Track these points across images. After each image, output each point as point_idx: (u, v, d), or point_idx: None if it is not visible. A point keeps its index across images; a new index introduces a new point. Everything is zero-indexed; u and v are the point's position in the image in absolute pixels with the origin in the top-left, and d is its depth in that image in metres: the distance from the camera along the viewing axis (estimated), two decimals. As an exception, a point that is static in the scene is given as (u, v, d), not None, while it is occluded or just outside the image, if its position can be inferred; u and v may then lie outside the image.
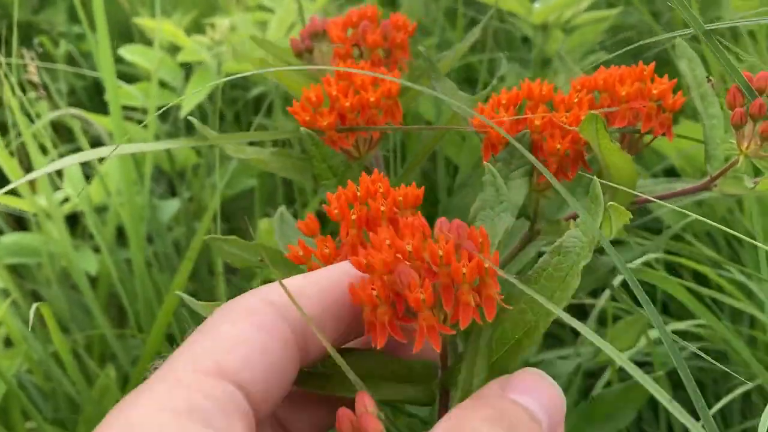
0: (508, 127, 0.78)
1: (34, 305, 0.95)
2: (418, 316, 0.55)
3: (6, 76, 1.38)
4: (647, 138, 0.83)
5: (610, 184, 0.76)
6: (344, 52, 0.95)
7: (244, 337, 0.52)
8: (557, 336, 1.54)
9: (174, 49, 1.73)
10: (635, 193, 0.74)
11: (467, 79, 1.74)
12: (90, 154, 0.89)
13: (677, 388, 1.37)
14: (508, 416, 0.51)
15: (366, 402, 0.53)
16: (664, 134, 0.80)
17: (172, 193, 1.88)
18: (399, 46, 0.96)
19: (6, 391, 1.22)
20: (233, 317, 0.53)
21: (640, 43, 0.88)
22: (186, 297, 0.69)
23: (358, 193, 0.67)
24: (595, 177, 0.63)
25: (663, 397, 0.52)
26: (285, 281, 0.55)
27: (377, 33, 0.93)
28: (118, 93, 1.30)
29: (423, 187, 0.67)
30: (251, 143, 0.92)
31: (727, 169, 0.77)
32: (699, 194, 0.82)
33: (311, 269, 0.67)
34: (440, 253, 0.54)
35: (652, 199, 0.80)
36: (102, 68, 1.28)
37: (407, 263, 0.56)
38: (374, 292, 0.55)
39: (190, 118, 0.89)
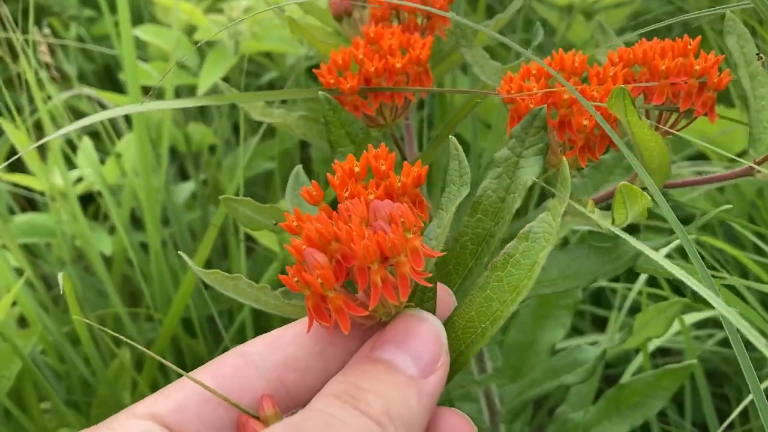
0: (538, 100, 0.75)
1: (60, 274, 0.92)
2: (327, 299, 0.53)
3: (24, 54, 1.36)
4: (685, 119, 0.79)
5: (644, 163, 0.73)
6: (381, 15, 0.92)
7: (183, 384, 0.54)
8: (576, 327, 1.52)
9: (190, 30, 1.70)
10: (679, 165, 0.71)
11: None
12: (98, 116, 0.86)
13: (709, 378, 1.34)
14: (358, 388, 0.50)
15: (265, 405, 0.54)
16: (705, 115, 0.76)
17: (183, 176, 1.86)
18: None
19: (20, 370, 1.20)
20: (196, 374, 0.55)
21: (678, 18, 0.84)
22: (188, 260, 0.67)
23: (356, 169, 0.64)
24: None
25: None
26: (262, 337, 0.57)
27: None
28: (136, 71, 1.28)
29: (427, 167, 0.64)
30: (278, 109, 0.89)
31: (773, 155, 0.73)
32: (737, 179, 0.79)
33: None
34: (343, 234, 0.53)
35: (692, 180, 0.77)
36: (122, 46, 1.25)
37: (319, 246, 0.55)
38: (294, 279, 0.55)
39: (219, 83, 0.87)
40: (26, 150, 0.87)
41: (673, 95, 0.76)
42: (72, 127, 0.77)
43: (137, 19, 2.01)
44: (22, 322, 1.37)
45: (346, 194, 0.63)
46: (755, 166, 0.76)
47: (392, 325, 0.54)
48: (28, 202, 1.78)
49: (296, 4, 0.99)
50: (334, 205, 0.62)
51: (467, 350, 0.59)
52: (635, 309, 1.38)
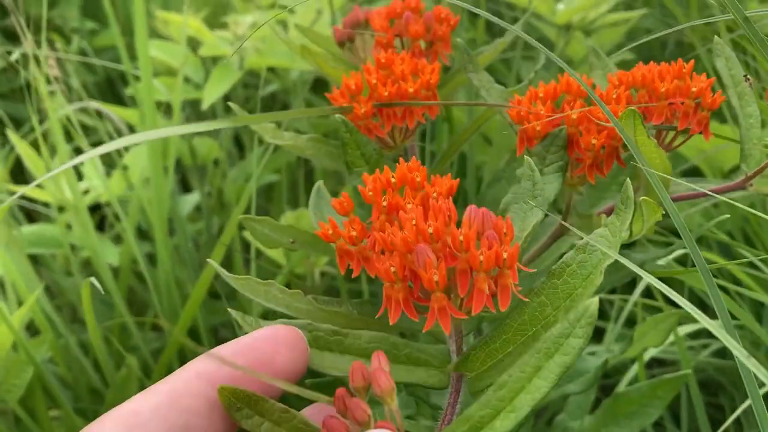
0: (544, 121, 0.79)
1: (88, 279, 0.96)
2: (431, 296, 0.57)
3: (36, 65, 1.39)
4: (681, 137, 0.84)
5: (646, 179, 0.77)
6: (386, 42, 0.96)
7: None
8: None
9: (194, 45, 1.74)
10: (675, 180, 0.74)
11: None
12: (121, 142, 0.89)
13: (703, 388, 1.37)
14: None
15: (381, 360, 0.54)
16: (700, 133, 0.81)
17: (185, 188, 1.89)
18: (441, 38, 0.97)
19: (31, 378, 1.23)
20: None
21: (663, 33, 0.88)
22: (220, 269, 0.70)
23: (393, 180, 0.68)
24: (627, 178, 0.63)
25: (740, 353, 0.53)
26: (132, 400, 0.57)
27: (420, 24, 0.94)
28: (151, 86, 1.31)
29: (458, 179, 0.68)
30: (287, 130, 0.93)
31: (763, 168, 0.78)
32: (731, 193, 0.83)
33: (340, 249, 0.68)
34: (461, 238, 0.56)
35: (690, 194, 0.81)
36: (141, 65, 1.29)
37: (427, 245, 0.58)
38: (392, 268, 0.57)
39: (230, 104, 0.90)
40: (46, 176, 0.90)
41: (669, 115, 0.81)
42: (96, 153, 0.80)
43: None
44: (29, 329, 1.39)
45: (385, 203, 0.67)
46: (748, 180, 0.80)
47: None
48: (27, 214, 1.81)
49: (296, 29, 1.03)
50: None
51: (516, 350, 0.63)
52: (630, 320, 1.41)
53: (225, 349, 0.60)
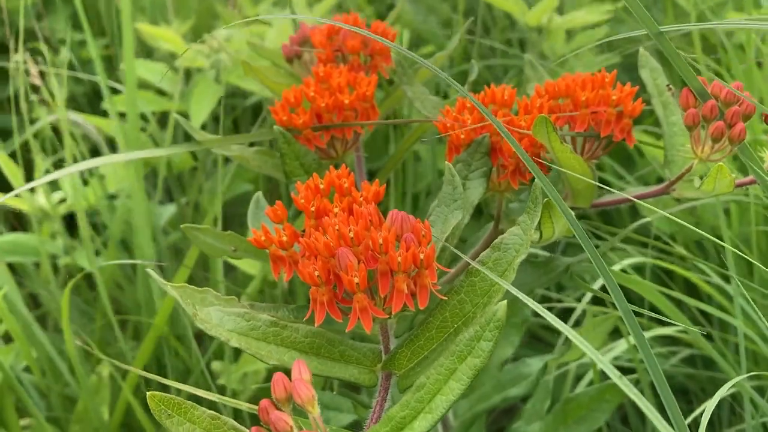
0: (471, 130, 0.81)
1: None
2: (353, 298, 0.59)
3: (24, 79, 1.42)
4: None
5: (571, 184, 0.79)
6: (326, 57, 0.98)
7: None
8: (545, 340, 1.56)
9: (173, 57, 1.77)
10: (594, 188, 0.76)
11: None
12: (96, 162, 0.92)
13: (675, 394, 1.38)
14: None
15: (302, 369, 0.57)
16: (624, 139, 0.83)
17: (171, 198, 1.92)
18: (379, 53, 0.99)
19: (1, 386, 1.25)
20: None
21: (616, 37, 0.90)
22: (155, 276, 0.72)
23: (321, 186, 0.71)
24: (536, 180, 0.66)
25: (631, 391, 0.55)
26: None
27: (357, 39, 0.97)
28: (136, 101, 1.34)
29: (384, 185, 0.71)
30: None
31: (684, 174, 0.80)
32: (660, 197, 0.85)
33: (272, 255, 0.70)
34: (380, 241, 0.58)
35: (617, 200, 0.83)
36: (126, 80, 1.33)
37: (348, 248, 0.60)
38: (315, 273, 0.60)
39: (177, 117, 0.93)
40: (22, 189, 0.94)
41: (595, 123, 0.83)
42: (75, 168, 0.83)
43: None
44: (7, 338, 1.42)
45: (313, 208, 0.69)
46: (670, 185, 0.82)
47: None
48: (18, 222, 1.84)
49: (248, 46, 1.06)
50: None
51: (439, 347, 0.66)
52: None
53: None
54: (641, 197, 0.83)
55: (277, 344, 0.67)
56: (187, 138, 1.94)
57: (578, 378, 1.45)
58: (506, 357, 1.09)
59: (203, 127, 1.83)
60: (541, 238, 0.75)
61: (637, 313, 1.26)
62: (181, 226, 0.88)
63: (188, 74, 1.77)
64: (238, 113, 1.95)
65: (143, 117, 1.75)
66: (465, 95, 0.70)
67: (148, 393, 0.59)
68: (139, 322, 1.46)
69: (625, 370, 1.51)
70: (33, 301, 1.66)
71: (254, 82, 1.52)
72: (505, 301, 0.60)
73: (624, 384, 0.58)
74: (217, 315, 0.67)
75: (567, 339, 1.27)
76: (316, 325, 0.62)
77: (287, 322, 0.68)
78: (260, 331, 0.67)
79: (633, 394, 0.56)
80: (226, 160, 1.64)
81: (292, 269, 0.72)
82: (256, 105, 1.95)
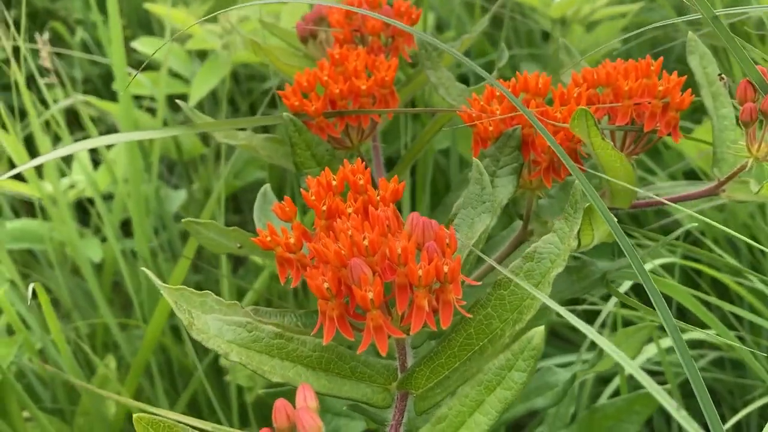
0: (500, 121, 0.74)
1: (31, 285, 0.92)
2: (367, 314, 0.52)
3: (17, 60, 1.37)
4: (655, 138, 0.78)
5: (611, 183, 0.72)
6: (343, 38, 0.91)
7: None
8: (571, 341, 1.50)
9: (187, 38, 1.71)
10: (636, 190, 0.69)
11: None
12: (93, 142, 0.86)
13: (690, 398, 1.31)
14: None
15: (307, 396, 0.50)
16: (669, 134, 0.75)
17: (177, 183, 1.86)
18: (401, 34, 0.92)
19: (3, 379, 1.21)
20: None
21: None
22: (153, 277, 0.66)
23: (334, 182, 0.64)
24: (576, 181, 0.58)
25: (669, 404, 0.49)
26: None
27: (378, 18, 0.89)
28: (126, 81, 1.28)
29: (404, 183, 0.64)
30: (242, 129, 0.89)
31: (736, 174, 0.72)
32: (709, 199, 0.77)
33: (279, 257, 0.64)
34: (399, 251, 0.51)
35: (658, 201, 0.76)
36: (113, 56, 1.26)
37: (363, 258, 0.53)
38: (325, 285, 0.53)
39: (179, 102, 0.86)
40: (23, 167, 0.88)
41: (637, 116, 0.75)
42: (61, 153, 0.77)
43: (145, 24, 2.02)
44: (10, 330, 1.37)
45: (324, 207, 0.62)
46: (720, 186, 0.74)
47: None
48: (29, 209, 1.79)
49: (261, 25, 0.99)
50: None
51: (462, 366, 0.59)
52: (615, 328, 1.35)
53: None
54: (686, 198, 0.75)
55: (281, 358, 0.60)
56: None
57: (602, 381, 1.39)
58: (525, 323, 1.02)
59: (215, 109, 1.78)
60: (579, 246, 0.67)
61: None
62: (183, 221, 0.81)
63: (203, 56, 1.71)
64: (255, 97, 1.89)
65: (152, 99, 1.69)
66: (493, 84, 0.63)
67: (134, 415, 0.53)
68: (141, 310, 1.40)
69: (651, 374, 1.45)
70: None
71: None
72: (542, 327, 0.54)
73: (664, 399, 0.51)
74: (215, 324, 0.60)
75: (593, 342, 1.21)
76: (324, 342, 0.55)
77: (293, 333, 0.62)
78: (263, 343, 0.60)
79: (671, 407, 0.49)
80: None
81: (300, 274, 0.64)
82: (269, 90, 1.89)
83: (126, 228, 1.61)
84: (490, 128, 0.72)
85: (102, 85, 2.08)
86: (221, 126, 0.85)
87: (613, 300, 1.19)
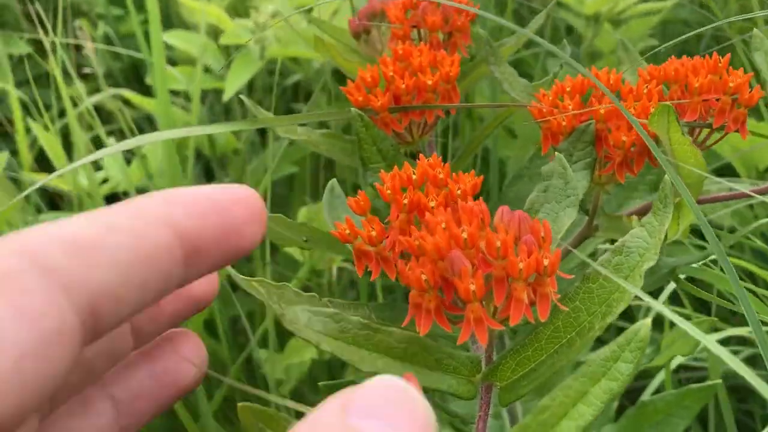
0: (571, 117, 0.74)
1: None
2: (467, 306, 0.53)
3: (53, 53, 1.37)
4: (715, 135, 0.79)
5: (684, 179, 0.72)
6: (403, 34, 0.92)
7: None
8: (601, 339, 1.50)
9: (216, 33, 1.71)
10: (712, 178, 0.70)
11: (519, 74, 1.71)
12: (137, 141, 0.86)
13: (733, 393, 1.32)
14: None
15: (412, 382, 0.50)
16: (736, 131, 0.76)
17: (208, 178, 1.87)
18: (459, 30, 0.92)
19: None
20: None
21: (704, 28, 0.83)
22: (232, 271, 0.67)
23: (414, 177, 0.64)
24: (666, 176, 0.59)
25: (750, 376, 0.49)
26: (65, 221, 0.41)
27: (438, 15, 0.90)
28: (166, 77, 1.28)
29: (482, 176, 0.65)
30: (302, 125, 0.90)
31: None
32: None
33: (357, 250, 0.64)
34: (498, 244, 0.52)
35: (728, 195, 0.76)
36: (153, 52, 1.26)
37: (461, 251, 0.53)
38: (423, 277, 0.53)
39: (242, 97, 0.87)
40: (64, 170, 0.88)
41: (704, 112, 0.76)
42: (111, 151, 0.78)
43: (165, 19, 2.02)
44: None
45: (406, 201, 0.63)
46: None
47: (372, 391, 0.42)
48: (53, 202, 1.80)
49: (311, 23, 0.99)
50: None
51: (548, 359, 0.59)
52: (658, 322, 1.36)
53: (188, 197, 0.47)
54: (758, 192, 0.76)
55: (369, 349, 0.61)
56: (227, 116, 1.89)
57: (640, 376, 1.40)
58: (580, 354, 1.03)
59: (241, 107, 1.78)
60: (664, 240, 0.68)
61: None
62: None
63: (232, 51, 1.72)
64: (278, 93, 1.89)
65: (184, 94, 1.69)
66: (587, 75, 0.63)
67: (239, 405, 0.54)
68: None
69: (692, 369, 1.46)
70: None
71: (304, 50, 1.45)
72: (649, 320, 0.54)
73: (745, 372, 0.52)
74: (304, 315, 0.60)
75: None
76: (421, 334, 0.55)
77: (378, 324, 0.62)
78: (351, 333, 0.61)
79: (750, 377, 0.50)
80: (273, 139, 1.59)
81: (379, 266, 0.65)
82: (295, 84, 1.90)
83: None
84: (564, 123, 0.73)
85: (123, 79, 2.09)
86: (282, 122, 0.86)
87: (663, 296, 1.19)
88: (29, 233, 0.38)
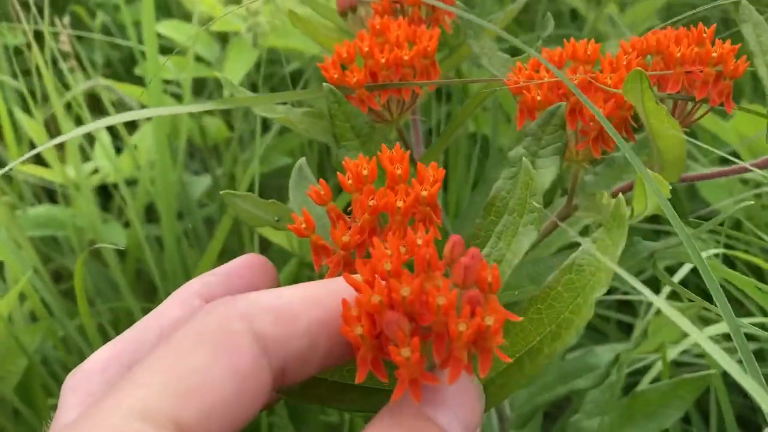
0: (547, 91, 0.71)
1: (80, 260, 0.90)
2: (401, 366, 0.46)
3: (38, 43, 1.35)
4: (701, 111, 0.75)
5: (662, 154, 0.69)
6: (383, 9, 0.89)
7: (205, 375, 0.42)
8: (602, 331, 1.47)
9: (208, 20, 1.68)
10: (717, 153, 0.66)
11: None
12: (117, 118, 0.84)
13: (735, 387, 1.28)
14: None
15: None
16: (721, 105, 0.72)
17: (207, 169, 1.84)
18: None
19: (27, 366, 1.19)
20: (196, 341, 0.44)
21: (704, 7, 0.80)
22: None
23: (365, 173, 0.60)
24: (620, 195, 0.53)
25: (735, 371, 0.45)
26: (273, 293, 0.48)
27: (419, -12, 0.87)
28: (158, 66, 1.26)
29: (443, 171, 0.60)
30: (282, 104, 0.87)
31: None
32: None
33: (314, 244, 0.60)
34: (438, 302, 0.46)
35: (711, 173, 0.73)
36: (146, 40, 1.24)
37: (399, 311, 0.47)
38: (358, 330, 0.48)
39: (221, 77, 0.84)
40: (43, 147, 0.85)
41: (688, 85, 0.72)
42: (83, 131, 0.75)
43: (164, 8, 2.00)
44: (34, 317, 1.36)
45: (372, 203, 0.59)
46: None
47: (448, 386, 0.48)
48: (50, 195, 1.78)
49: (298, 1, 0.96)
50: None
51: (498, 379, 0.55)
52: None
53: (214, 278, 0.56)
54: (737, 171, 0.73)
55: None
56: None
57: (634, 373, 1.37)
58: (570, 344, 1.00)
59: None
60: (632, 215, 0.64)
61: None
62: (221, 192, 0.79)
63: (225, 39, 1.69)
64: (276, 82, 1.86)
65: (178, 84, 1.67)
66: (533, 55, 0.59)
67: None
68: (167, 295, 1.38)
69: (697, 367, 1.42)
70: (64, 275, 1.60)
71: (298, 41, 1.42)
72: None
73: (730, 366, 0.47)
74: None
75: (631, 331, 1.18)
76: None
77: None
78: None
79: (736, 373, 0.46)
80: (263, 129, 1.56)
81: (339, 266, 0.59)
82: (294, 72, 1.87)
83: (148, 214, 1.59)
84: (539, 98, 0.70)
85: (122, 69, 2.07)
86: (260, 101, 0.83)
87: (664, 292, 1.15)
88: (249, 299, 0.46)
